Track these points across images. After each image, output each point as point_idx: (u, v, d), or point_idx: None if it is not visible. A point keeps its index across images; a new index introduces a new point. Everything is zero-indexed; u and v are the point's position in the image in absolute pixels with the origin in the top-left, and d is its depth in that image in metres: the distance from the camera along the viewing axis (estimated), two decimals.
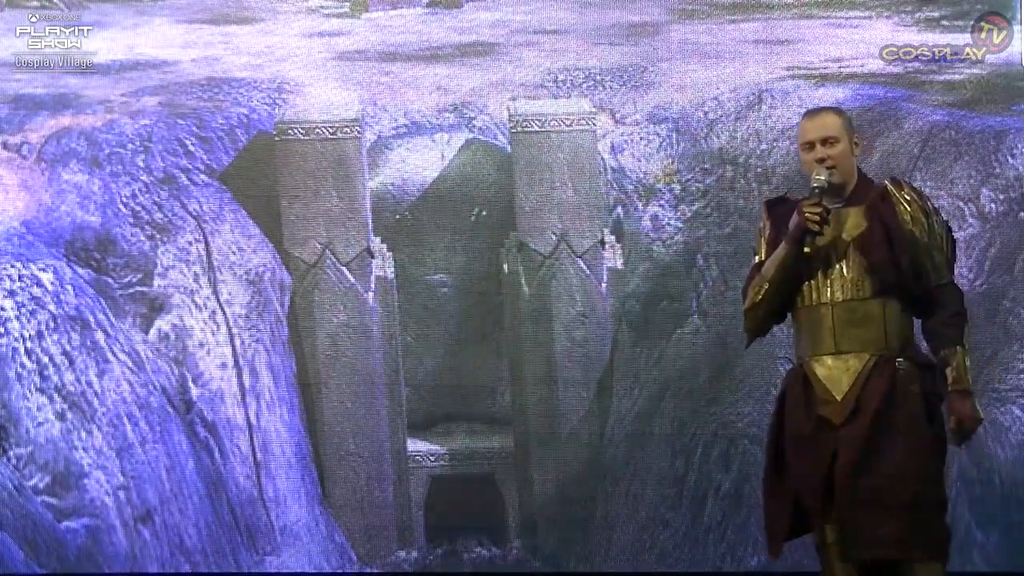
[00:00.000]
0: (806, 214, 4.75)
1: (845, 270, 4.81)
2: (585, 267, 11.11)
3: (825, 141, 4.84)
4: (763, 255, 4.98)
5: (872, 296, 4.79)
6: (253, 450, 10.55)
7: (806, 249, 4.79)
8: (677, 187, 11.39)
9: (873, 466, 4.68)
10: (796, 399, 4.88)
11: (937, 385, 4.81)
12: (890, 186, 4.91)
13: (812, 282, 4.85)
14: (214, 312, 10.60)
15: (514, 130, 11.08)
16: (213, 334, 10.53)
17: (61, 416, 9.43)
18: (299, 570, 10.52)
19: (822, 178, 4.80)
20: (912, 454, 4.70)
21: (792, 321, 5.00)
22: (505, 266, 11.23)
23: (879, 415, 4.70)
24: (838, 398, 4.76)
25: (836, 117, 4.93)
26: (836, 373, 4.78)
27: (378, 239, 11.17)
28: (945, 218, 5.03)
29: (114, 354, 9.88)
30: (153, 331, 10.41)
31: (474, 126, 11.68)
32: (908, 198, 4.87)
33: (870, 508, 4.66)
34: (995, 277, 10.27)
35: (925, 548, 4.71)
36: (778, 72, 11.32)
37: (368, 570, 10.92)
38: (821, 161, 4.83)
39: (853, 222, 4.84)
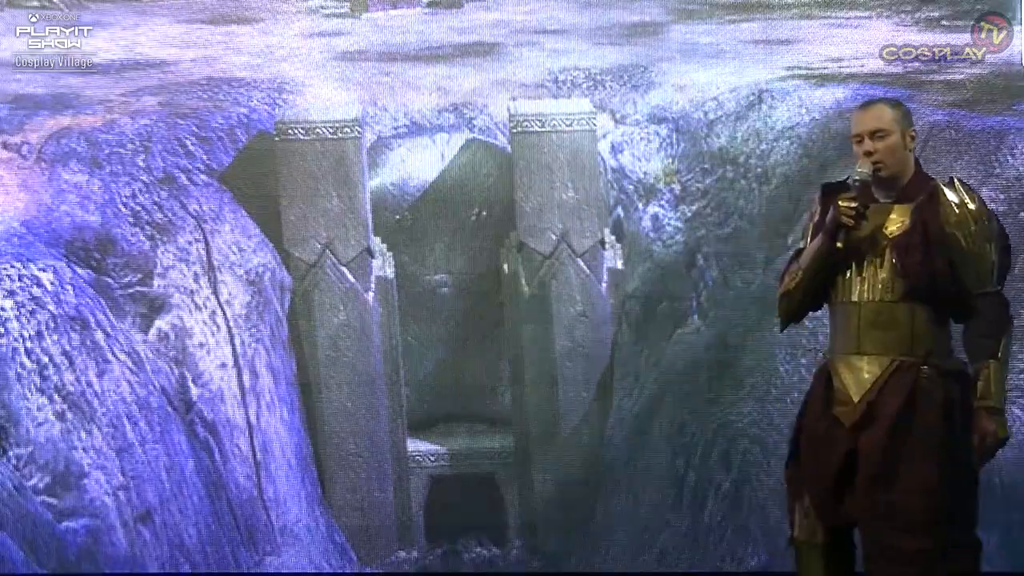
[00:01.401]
0: (841, 208, 4.69)
1: (879, 270, 4.74)
2: (585, 267, 11.11)
3: (874, 134, 4.75)
4: (807, 241, 4.92)
5: (901, 299, 4.71)
6: (253, 450, 10.55)
7: (838, 244, 4.72)
8: (677, 187, 11.39)
9: (896, 481, 4.63)
10: (817, 397, 4.84)
11: (966, 394, 4.71)
12: (942, 186, 4.80)
13: (846, 278, 4.79)
14: (214, 312, 10.59)
15: (514, 130, 11.08)
16: (213, 334, 10.53)
17: (61, 416, 9.43)
18: (299, 570, 10.52)
19: (864, 171, 4.73)
20: (936, 468, 4.63)
21: (828, 316, 4.93)
22: (505, 266, 11.23)
23: (896, 425, 4.65)
24: (855, 399, 4.71)
25: (890, 110, 4.80)
26: (857, 374, 4.73)
27: (378, 239, 11.17)
28: (1001, 225, 4.91)
29: (114, 354, 9.87)
30: (153, 331, 10.40)
31: (474, 126, 11.69)
32: (956, 200, 4.75)
33: (892, 523, 4.62)
34: None
35: (951, 563, 4.65)
36: (778, 72, 11.33)
37: (368, 570, 10.92)
38: (868, 155, 4.74)
39: (896, 220, 4.75)
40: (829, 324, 4.92)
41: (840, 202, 4.73)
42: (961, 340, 4.83)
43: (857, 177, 4.75)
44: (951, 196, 4.78)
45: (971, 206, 4.78)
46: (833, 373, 4.80)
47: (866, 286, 4.77)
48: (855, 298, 4.78)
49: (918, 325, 4.73)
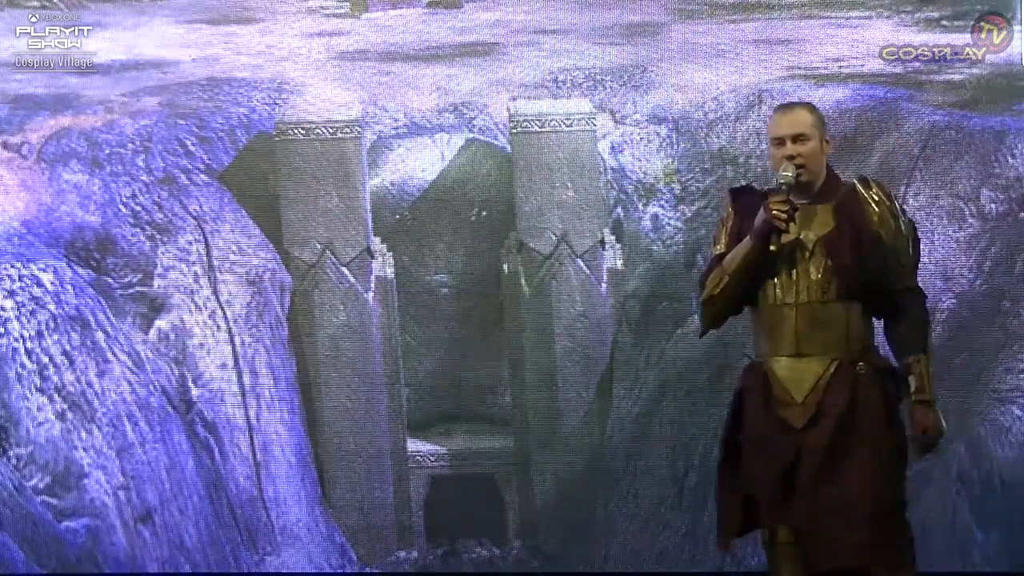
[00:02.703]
0: (773, 211, 4.68)
1: (812, 271, 4.75)
2: (585, 267, 11.11)
3: (796, 138, 4.77)
4: (724, 246, 4.90)
5: (837, 299, 4.73)
6: (253, 450, 10.56)
7: (772, 247, 4.72)
8: (677, 187, 11.39)
9: (837, 475, 4.66)
10: (755, 399, 4.83)
11: (897, 389, 4.75)
12: (859, 185, 4.83)
13: (776, 281, 4.78)
14: (214, 312, 10.60)
15: (514, 130, 11.08)
16: (213, 334, 10.53)
17: (61, 416, 9.43)
18: (299, 570, 10.52)
19: (789, 175, 4.73)
20: (875, 461, 4.67)
21: (752, 318, 4.93)
22: (505, 266, 11.23)
23: (841, 423, 4.67)
24: (798, 400, 4.72)
25: (808, 114, 4.85)
26: (797, 375, 4.74)
27: (378, 239, 11.17)
28: (911, 219, 4.95)
29: (114, 354, 9.88)
30: (153, 331, 10.41)
31: (474, 126, 11.68)
32: (876, 198, 4.80)
33: (836, 518, 4.64)
34: (995, 277, 10.27)
35: (893, 555, 4.69)
36: (778, 72, 11.32)
37: (368, 570, 10.92)
38: (791, 158, 4.76)
39: (820, 220, 4.77)
40: (754, 326, 4.92)
41: (772, 205, 4.71)
42: (884, 337, 4.85)
43: (782, 180, 4.75)
44: (869, 194, 4.83)
45: (888, 203, 4.83)
46: (769, 375, 4.81)
47: (801, 287, 4.77)
48: (790, 300, 4.78)
49: (853, 324, 4.77)
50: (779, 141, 4.83)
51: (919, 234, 4.96)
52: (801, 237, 4.78)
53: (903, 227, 4.83)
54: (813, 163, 4.81)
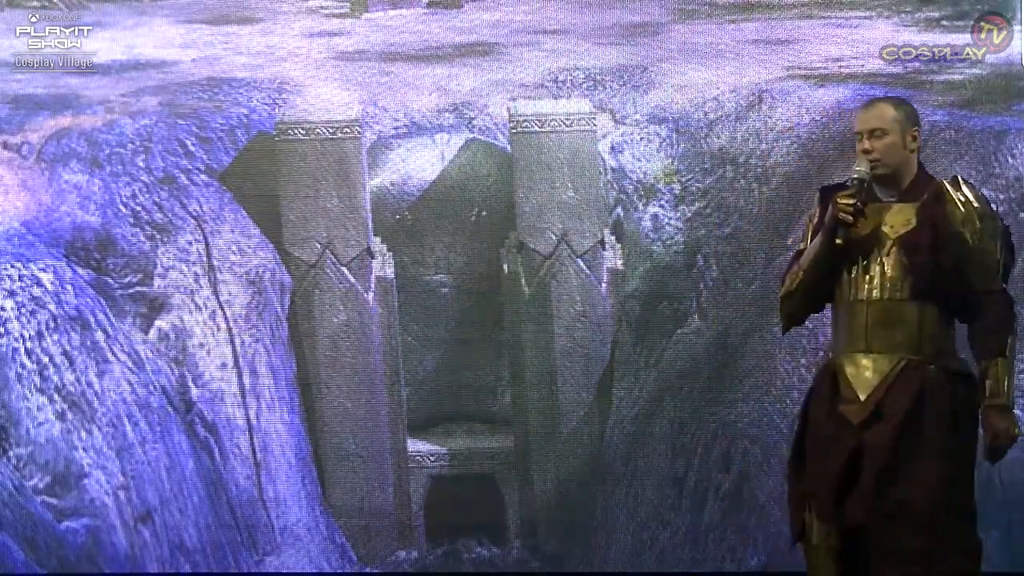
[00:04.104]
0: (840, 205, 4.68)
1: (887, 268, 4.72)
2: (585, 267, 11.11)
3: (873, 132, 4.75)
4: (807, 243, 4.90)
5: (910, 298, 4.70)
6: (253, 450, 10.56)
7: (838, 241, 4.71)
8: (677, 187, 11.39)
9: (900, 478, 4.63)
10: (822, 395, 4.82)
11: (971, 395, 4.71)
12: (947, 185, 4.79)
13: (852, 277, 4.77)
14: (214, 312, 10.60)
15: (514, 130, 11.08)
16: (213, 334, 10.53)
17: (61, 416, 9.43)
18: (299, 570, 10.52)
19: (861, 169, 4.72)
20: (939, 467, 4.63)
21: (831, 314, 4.92)
22: (505, 266, 11.23)
23: (904, 425, 4.64)
24: (862, 398, 4.70)
25: (890, 109, 4.80)
26: (864, 373, 4.71)
27: (378, 239, 11.17)
28: (1006, 225, 4.88)
29: (114, 354, 9.88)
30: (153, 331, 10.41)
31: (474, 126, 11.68)
32: (962, 199, 4.73)
33: (896, 522, 4.62)
34: None
35: (953, 562, 4.66)
36: (778, 72, 11.32)
37: (368, 570, 10.92)
38: (866, 153, 4.75)
39: (902, 219, 4.74)
40: (832, 323, 4.90)
41: (839, 199, 4.72)
42: (967, 340, 4.81)
43: (855, 176, 4.75)
44: (957, 194, 4.77)
45: (976, 204, 4.77)
46: (839, 371, 4.79)
47: (874, 284, 4.75)
48: (863, 296, 4.76)
49: (926, 324, 4.73)
50: (858, 136, 4.82)
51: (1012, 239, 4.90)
52: (878, 234, 4.76)
53: (990, 229, 4.76)
54: (890, 158, 4.78)
